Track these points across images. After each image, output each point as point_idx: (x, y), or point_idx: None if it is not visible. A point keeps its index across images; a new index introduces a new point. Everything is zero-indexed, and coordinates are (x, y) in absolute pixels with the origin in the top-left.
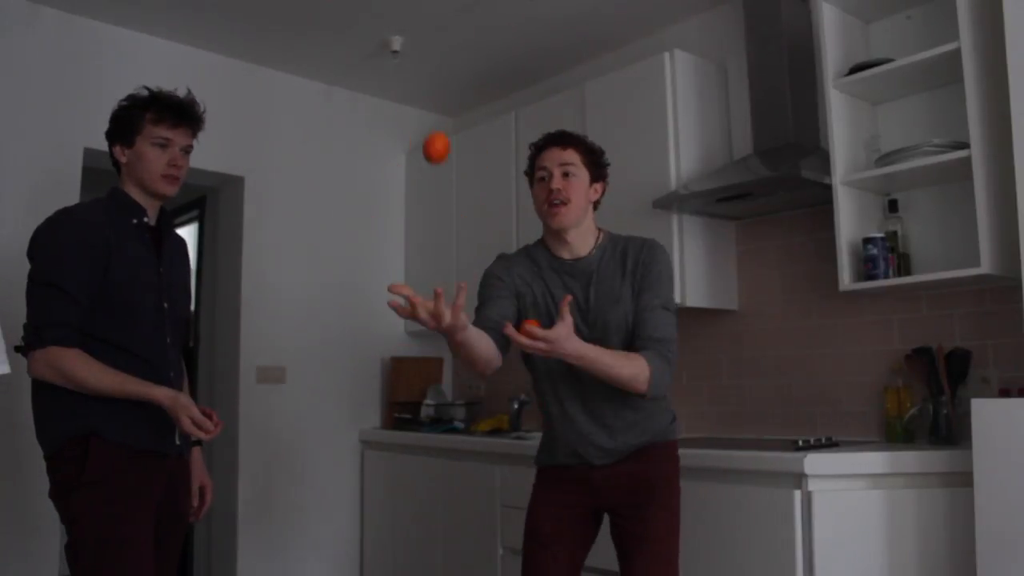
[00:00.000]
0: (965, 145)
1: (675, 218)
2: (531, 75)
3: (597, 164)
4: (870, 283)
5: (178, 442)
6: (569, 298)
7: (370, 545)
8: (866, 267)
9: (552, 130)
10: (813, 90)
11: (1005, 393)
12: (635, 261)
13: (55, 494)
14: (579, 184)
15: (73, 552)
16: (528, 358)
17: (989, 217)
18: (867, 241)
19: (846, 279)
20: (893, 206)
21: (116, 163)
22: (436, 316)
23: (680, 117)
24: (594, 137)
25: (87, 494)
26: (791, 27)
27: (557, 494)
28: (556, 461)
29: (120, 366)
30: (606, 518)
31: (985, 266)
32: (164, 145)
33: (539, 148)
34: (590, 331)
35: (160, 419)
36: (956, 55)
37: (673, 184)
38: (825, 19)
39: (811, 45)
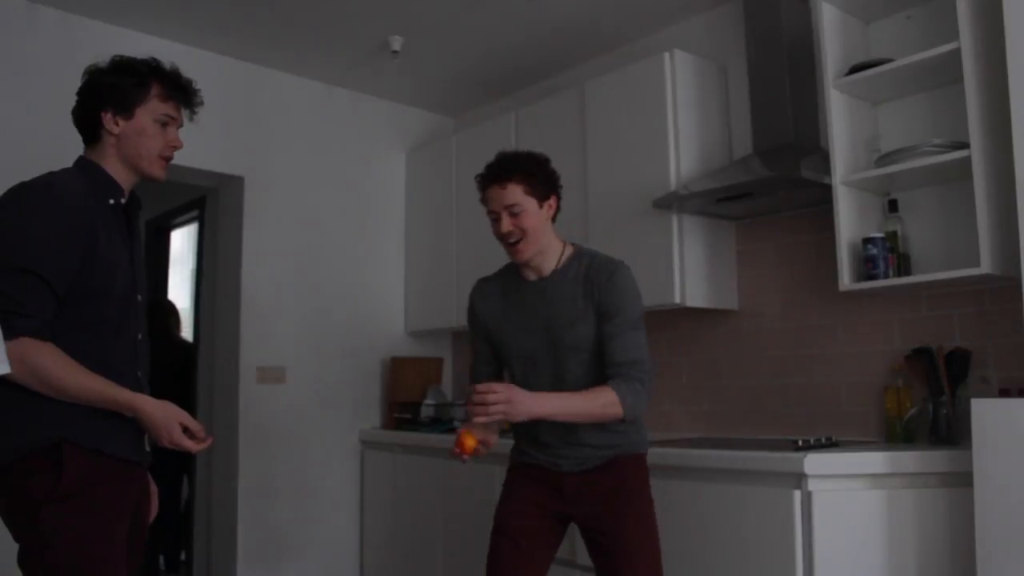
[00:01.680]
0: (965, 145)
1: (675, 218)
2: (531, 75)
3: (543, 183)
4: (870, 283)
5: (148, 448)
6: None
7: (370, 545)
8: (866, 267)
9: (514, 146)
10: (813, 90)
11: (1005, 393)
12: (597, 286)
13: (11, 509)
14: (529, 215)
15: (39, 571)
16: (505, 367)
17: (989, 217)
18: (867, 241)
19: (846, 279)
20: (893, 206)
21: (93, 132)
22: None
23: (680, 117)
24: (594, 137)
25: (60, 509)
26: (791, 27)
27: (529, 493)
28: (528, 460)
29: (89, 365)
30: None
31: (985, 266)
32: (166, 123)
33: (482, 186)
34: (553, 350)
35: (135, 424)
36: (956, 55)
37: (673, 184)
38: (825, 19)
39: (811, 45)
